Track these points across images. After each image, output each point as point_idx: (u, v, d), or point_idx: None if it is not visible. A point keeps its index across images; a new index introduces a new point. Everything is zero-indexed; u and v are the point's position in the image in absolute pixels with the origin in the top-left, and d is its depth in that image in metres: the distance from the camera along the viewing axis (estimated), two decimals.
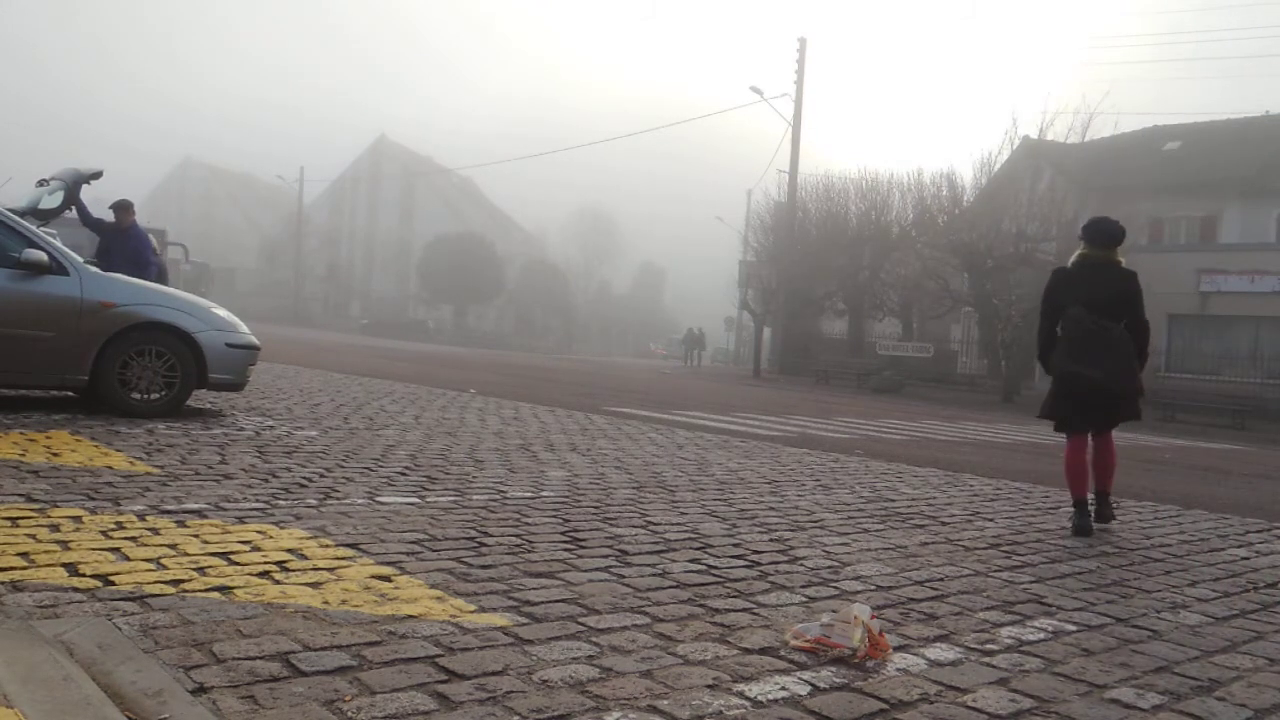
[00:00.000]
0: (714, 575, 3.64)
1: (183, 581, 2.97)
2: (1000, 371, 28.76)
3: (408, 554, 3.57)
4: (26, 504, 3.85)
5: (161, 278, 10.11)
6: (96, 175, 9.93)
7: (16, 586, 2.79)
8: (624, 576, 3.50)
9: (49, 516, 3.67)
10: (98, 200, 10.45)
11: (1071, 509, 5.58)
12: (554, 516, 4.54)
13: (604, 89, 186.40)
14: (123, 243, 10.24)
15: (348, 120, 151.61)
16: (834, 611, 2.97)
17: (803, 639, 2.83)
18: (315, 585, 3.06)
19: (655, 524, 4.56)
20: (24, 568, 2.98)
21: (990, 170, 32.22)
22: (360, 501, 4.52)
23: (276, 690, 2.21)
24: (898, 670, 2.71)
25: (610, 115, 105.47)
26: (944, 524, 5.31)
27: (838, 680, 2.58)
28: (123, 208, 10.50)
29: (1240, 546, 5.42)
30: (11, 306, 6.56)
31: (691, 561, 3.84)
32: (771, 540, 4.42)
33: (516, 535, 4.05)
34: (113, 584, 2.89)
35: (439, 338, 58.78)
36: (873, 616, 2.85)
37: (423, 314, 68.82)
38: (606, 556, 3.80)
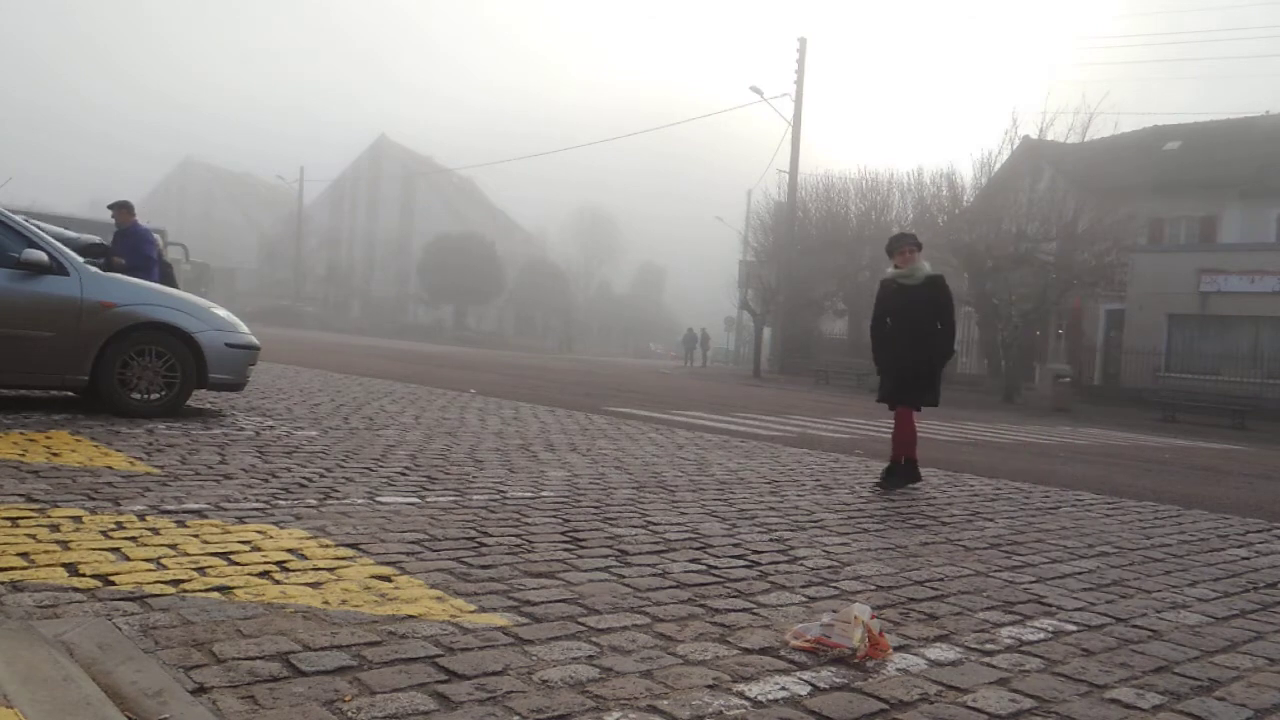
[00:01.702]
0: (714, 575, 3.64)
1: (183, 581, 2.97)
2: (1000, 371, 28.78)
3: (408, 554, 3.57)
4: (26, 504, 3.85)
5: (167, 278, 10.06)
6: (100, 248, 9.70)
7: (16, 586, 2.79)
8: (624, 576, 3.50)
9: (49, 516, 3.67)
10: (96, 203, 10.39)
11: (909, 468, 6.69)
12: (554, 516, 4.54)
13: (604, 89, 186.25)
14: (122, 244, 10.21)
15: (348, 120, 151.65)
16: (834, 611, 2.97)
17: (803, 639, 2.83)
18: (315, 585, 3.06)
19: (655, 524, 4.56)
20: (24, 568, 2.98)
21: (990, 170, 32.22)
22: (360, 501, 4.52)
23: (276, 690, 2.21)
24: (898, 670, 2.71)
25: (610, 115, 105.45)
26: (944, 524, 5.31)
27: (838, 680, 2.58)
28: (121, 208, 10.44)
29: (1240, 546, 5.42)
30: (11, 306, 6.56)
31: (691, 561, 3.84)
32: (771, 540, 4.42)
33: (516, 535, 4.05)
34: (113, 584, 2.89)
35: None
36: (873, 616, 2.85)
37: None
38: (606, 556, 3.80)
